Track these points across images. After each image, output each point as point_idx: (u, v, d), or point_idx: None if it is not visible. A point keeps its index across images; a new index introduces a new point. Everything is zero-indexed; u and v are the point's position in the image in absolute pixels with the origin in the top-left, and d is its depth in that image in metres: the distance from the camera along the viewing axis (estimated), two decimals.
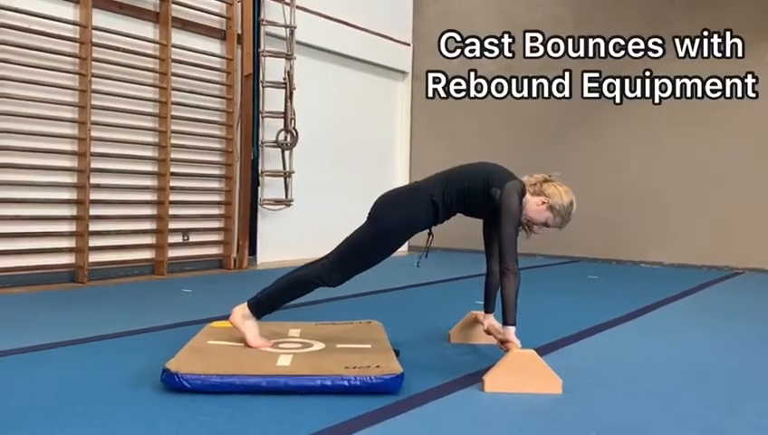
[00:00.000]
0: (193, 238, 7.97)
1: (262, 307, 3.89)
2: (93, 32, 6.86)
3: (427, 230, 3.86)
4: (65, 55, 6.73)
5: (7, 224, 6.33)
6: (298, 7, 8.86)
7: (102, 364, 3.74)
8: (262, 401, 3.13)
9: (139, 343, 4.30)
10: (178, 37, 7.74)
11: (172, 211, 7.63)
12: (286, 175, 8.76)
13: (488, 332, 4.01)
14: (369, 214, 3.80)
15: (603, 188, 9.70)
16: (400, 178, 10.91)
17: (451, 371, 3.72)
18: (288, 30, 8.71)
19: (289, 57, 8.69)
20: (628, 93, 9.63)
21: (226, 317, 4.84)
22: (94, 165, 6.87)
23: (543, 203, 3.73)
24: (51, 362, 3.79)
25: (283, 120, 8.64)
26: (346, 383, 3.25)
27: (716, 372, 3.93)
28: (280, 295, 3.89)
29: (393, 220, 3.71)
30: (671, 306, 6.15)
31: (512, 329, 3.59)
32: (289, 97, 8.65)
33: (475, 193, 3.74)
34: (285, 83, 8.64)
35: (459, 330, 4.41)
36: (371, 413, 3.02)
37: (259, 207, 8.65)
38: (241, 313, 3.87)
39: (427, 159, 10.96)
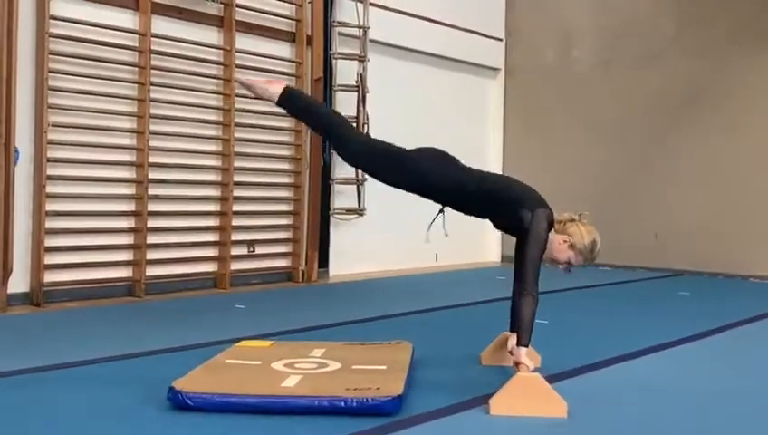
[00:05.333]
0: (259, 250, 8.26)
1: (292, 98, 4.26)
2: (152, 39, 7.23)
3: (440, 207, 4.22)
4: (123, 64, 7.12)
5: (63, 237, 6.74)
6: (373, 5, 9.07)
7: (125, 382, 4.04)
8: (259, 421, 3.38)
9: (169, 360, 4.57)
10: (244, 41, 8.04)
11: (236, 222, 7.93)
12: (359, 182, 8.96)
13: (511, 352, 4.10)
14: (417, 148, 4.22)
15: (712, 193, 9.50)
16: None
17: (466, 392, 3.87)
18: (361, 30, 8.93)
19: (362, 59, 8.90)
20: (738, 85, 9.45)
21: (265, 337, 5.13)
22: (152, 175, 7.24)
23: (565, 242, 3.99)
24: (79, 379, 4.13)
25: (355, 124, 8.85)
26: (342, 404, 3.45)
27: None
28: (310, 109, 4.41)
29: (426, 165, 4.09)
30: (751, 327, 6.05)
31: (523, 350, 3.78)
32: (362, 100, 8.87)
33: (505, 203, 4.03)
34: (358, 86, 8.86)
35: (490, 352, 4.54)
36: (365, 432, 3.22)
37: (330, 216, 8.89)
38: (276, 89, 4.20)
39: (521, 161, 10.99)
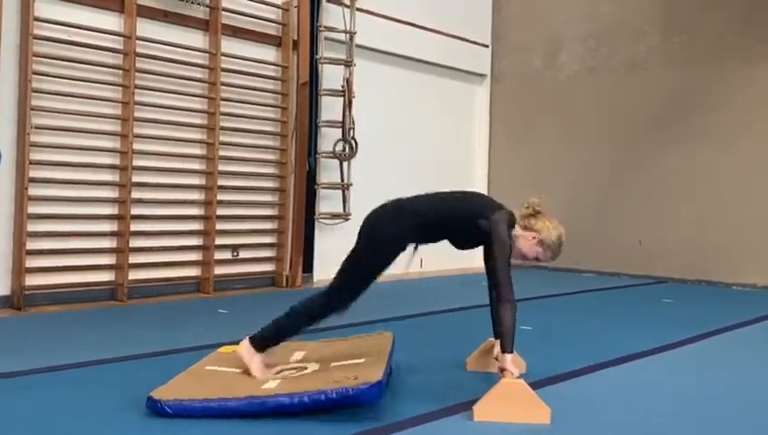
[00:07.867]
0: (243, 254, 8.24)
1: (267, 342, 4.15)
2: (137, 42, 7.20)
3: (414, 245, 4.15)
4: (108, 67, 7.09)
5: (45, 240, 6.70)
6: (359, 10, 9.08)
7: (106, 387, 4.03)
8: (242, 426, 3.37)
9: (151, 365, 4.55)
10: (230, 45, 8.02)
11: (220, 226, 7.90)
12: (344, 187, 8.97)
13: (497, 358, 4.10)
14: (359, 233, 4.16)
15: (696, 201, 9.54)
16: (478, 189, 10.94)
17: (451, 397, 3.89)
18: (347, 35, 8.93)
19: (348, 64, 8.90)
20: (723, 95, 9.48)
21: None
22: (136, 179, 7.20)
23: (534, 238, 3.98)
24: (59, 384, 4.11)
25: (341, 129, 8.86)
26: (323, 398, 3.45)
27: (752, 417, 3.87)
28: (286, 329, 4.18)
29: (381, 234, 4.07)
30: (734, 334, 6.10)
31: (509, 356, 3.77)
32: (348, 105, 8.86)
33: (462, 222, 4.04)
34: (344, 91, 8.85)
35: (476, 358, 4.57)
36: None
37: (315, 221, 8.87)
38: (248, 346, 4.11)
39: (507, 167, 11.07)
